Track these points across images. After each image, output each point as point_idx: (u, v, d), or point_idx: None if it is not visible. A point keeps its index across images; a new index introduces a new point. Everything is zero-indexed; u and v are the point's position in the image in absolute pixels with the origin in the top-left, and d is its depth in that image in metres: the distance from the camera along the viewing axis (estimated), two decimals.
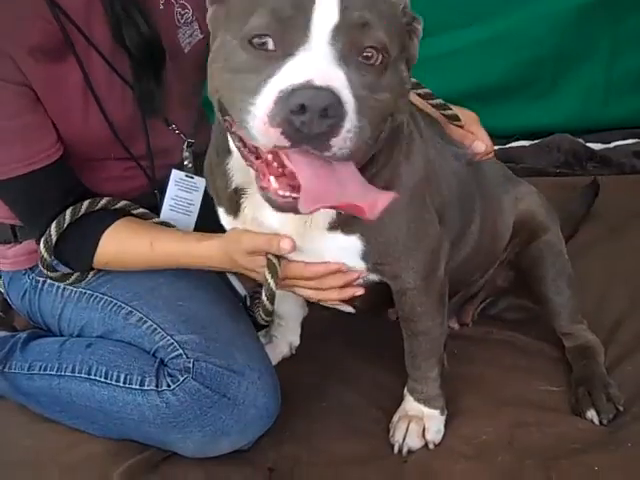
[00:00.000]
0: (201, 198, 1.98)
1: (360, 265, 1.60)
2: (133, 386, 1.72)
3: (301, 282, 1.64)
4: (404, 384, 1.87)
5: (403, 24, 1.35)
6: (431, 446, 1.80)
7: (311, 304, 2.01)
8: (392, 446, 1.81)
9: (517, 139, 3.24)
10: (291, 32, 1.20)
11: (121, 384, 1.73)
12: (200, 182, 1.94)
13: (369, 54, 1.23)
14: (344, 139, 1.15)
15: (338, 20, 1.19)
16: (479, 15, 3.15)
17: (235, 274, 2.02)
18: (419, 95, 1.79)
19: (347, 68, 1.19)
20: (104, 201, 1.79)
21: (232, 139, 1.39)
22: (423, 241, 1.63)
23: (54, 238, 1.74)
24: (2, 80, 1.65)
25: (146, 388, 1.71)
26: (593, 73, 3.25)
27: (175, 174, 1.94)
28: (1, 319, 2.12)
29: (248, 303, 2.10)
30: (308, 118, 1.11)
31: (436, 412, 1.83)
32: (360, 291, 1.65)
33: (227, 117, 1.32)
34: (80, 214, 1.75)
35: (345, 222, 1.52)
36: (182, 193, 1.97)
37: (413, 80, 1.72)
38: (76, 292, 1.90)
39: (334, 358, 2.08)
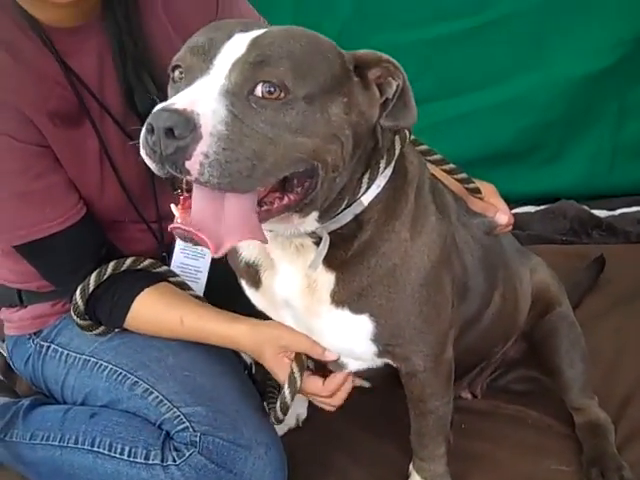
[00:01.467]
0: (208, 265, 1.97)
1: (371, 348, 1.59)
2: (138, 460, 1.69)
3: (317, 398, 1.69)
4: (410, 458, 1.85)
5: (341, 70, 1.30)
6: None
7: None
8: None
9: (522, 204, 3.24)
10: (196, 64, 1.24)
11: (125, 457, 1.70)
12: (206, 249, 1.93)
13: (270, 89, 1.20)
14: (200, 163, 1.13)
15: (240, 56, 1.22)
16: (487, 81, 3.18)
17: None
18: (444, 171, 1.78)
19: (235, 99, 1.18)
20: (129, 261, 1.79)
21: None
22: (434, 324, 1.61)
23: (92, 287, 1.75)
24: (26, 143, 1.66)
25: (151, 462, 1.68)
26: (599, 139, 3.27)
27: (179, 241, 1.93)
28: (3, 384, 2.09)
29: (253, 371, 2.07)
30: (155, 137, 1.13)
31: None
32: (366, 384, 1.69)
33: None
34: (106, 276, 1.76)
35: (352, 298, 1.51)
36: (188, 260, 1.96)
37: (425, 147, 1.73)
38: (80, 359, 1.87)
39: (339, 430, 2.05)
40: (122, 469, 1.70)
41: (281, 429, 2.00)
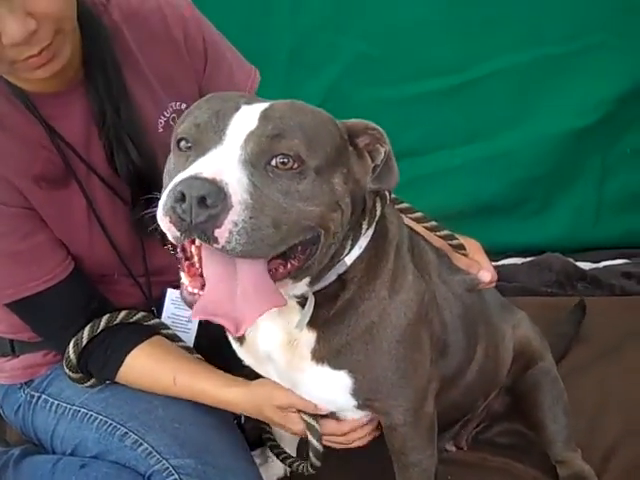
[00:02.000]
0: None
1: (351, 402, 1.62)
2: None
3: (332, 438, 1.71)
4: None
5: (340, 141, 1.37)
6: None
7: None
8: None
9: (509, 256, 3.29)
10: (206, 136, 1.28)
11: None
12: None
13: (284, 160, 1.26)
14: (229, 232, 1.17)
15: (254, 128, 1.26)
16: (472, 136, 3.24)
17: None
18: (426, 228, 1.82)
19: (253, 169, 1.23)
20: (122, 314, 1.82)
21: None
22: (412, 380, 1.63)
23: (85, 341, 1.77)
24: (11, 206, 1.69)
25: None
26: (584, 194, 3.33)
27: (170, 293, 1.97)
28: None
29: (242, 421, 2.09)
30: (187, 206, 1.15)
31: None
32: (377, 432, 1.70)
33: None
34: (99, 329, 1.78)
35: (331, 355, 1.54)
36: (178, 311, 1.98)
37: (405, 205, 1.77)
38: (70, 409, 1.89)
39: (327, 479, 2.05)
40: None
41: (269, 479, 2.01)
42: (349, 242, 1.47)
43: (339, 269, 1.48)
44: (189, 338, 1.98)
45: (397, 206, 1.74)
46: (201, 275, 1.29)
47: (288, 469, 2.07)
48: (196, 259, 1.31)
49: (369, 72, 3.12)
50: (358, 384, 1.58)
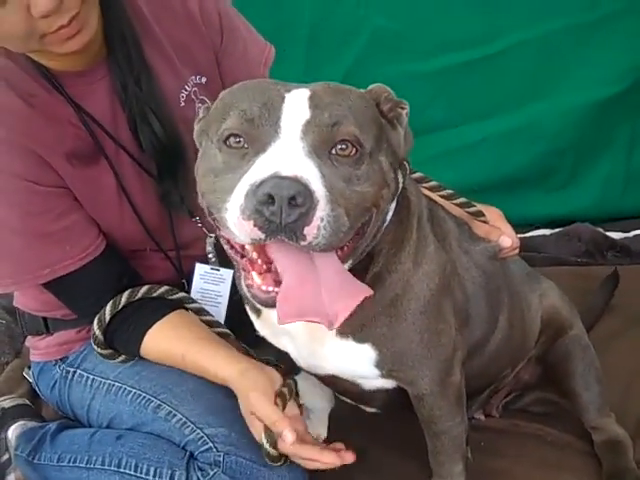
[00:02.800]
0: (229, 289, 2.00)
1: (374, 372, 1.62)
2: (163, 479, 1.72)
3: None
4: (429, 475, 1.86)
5: (379, 116, 1.38)
6: None
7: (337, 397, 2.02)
8: None
9: (537, 228, 3.27)
10: (262, 130, 1.26)
11: (151, 477, 1.73)
12: (227, 274, 1.98)
13: (343, 146, 1.27)
14: (317, 227, 1.17)
15: (309, 117, 1.25)
16: (498, 108, 3.22)
17: None
18: (442, 197, 1.81)
19: (319, 160, 1.23)
20: (144, 290, 1.83)
21: (222, 241, 1.41)
22: (436, 350, 1.62)
23: (107, 318, 1.79)
24: (46, 186, 1.72)
25: None
26: (612, 164, 3.31)
27: (199, 267, 1.98)
28: (30, 409, 2.13)
29: None
30: (277, 208, 1.14)
31: None
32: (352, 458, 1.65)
33: (214, 220, 1.36)
34: (121, 306, 1.80)
35: (355, 329, 1.54)
36: (208, 285, 2.00)
37: (419, 174, 1.76)
38: (105, 384, 1.92)
39: (361, 450, 2.04)
40: None
41: None
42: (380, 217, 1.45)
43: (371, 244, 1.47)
44: (219, 312, 2.00)
45: (411, 176, 1.72)
46: (268, 271, 1.28)
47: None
48: (254, 255, 1.30)
49: (391, 47, 3.11)
50: (382, 356, 1.58)
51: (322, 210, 1.17)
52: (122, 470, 1.77)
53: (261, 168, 1.20)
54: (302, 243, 1.18)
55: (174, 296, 1.89)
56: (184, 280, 2.00)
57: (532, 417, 2.17)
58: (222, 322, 1.95)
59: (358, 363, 1.60)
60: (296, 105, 1.27)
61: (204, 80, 1.91)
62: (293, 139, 1.24)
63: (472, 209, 1.84)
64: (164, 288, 1.87)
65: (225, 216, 1.23)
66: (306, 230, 1.17)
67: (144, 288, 1.84)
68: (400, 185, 1.48)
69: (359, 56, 3.07)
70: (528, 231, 3.20)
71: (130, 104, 1.78)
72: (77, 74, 1.75)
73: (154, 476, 1.73)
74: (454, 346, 1.67)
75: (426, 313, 1.57)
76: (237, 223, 1.19)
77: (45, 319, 1.99)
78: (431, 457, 1.82)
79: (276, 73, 1.94)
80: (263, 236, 1.18)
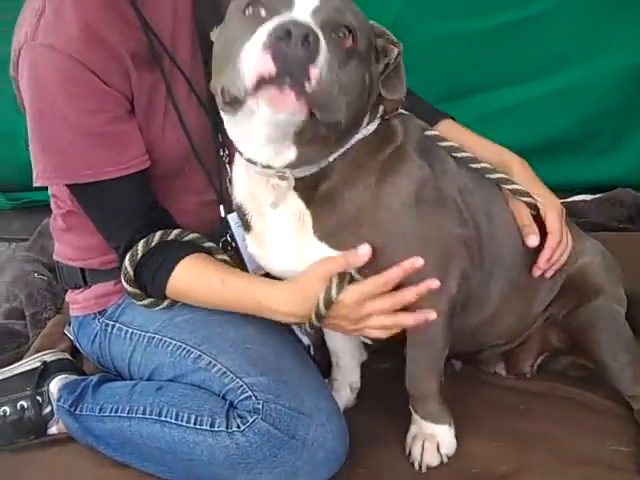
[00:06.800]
0: None
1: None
2: (204, 427, 1.73)
3: (377, 308, 1.64)
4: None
5: (373, 39, 1.55)
6: (445, 459, 1.85)
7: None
8: None
9: (578, 193, 3.23)
10: (280, 2, 1.39)
11: (192, 425, 1.75)
12: None
13: (342, 34, 1.42)
14: (320, 70, 1.31)
15: (319, 3, 1.40)
16: (540, 70, 3.17)
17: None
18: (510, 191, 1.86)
19: (323, 34, 1.36)
20: (176, 232, 1.83)
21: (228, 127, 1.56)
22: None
23: (140, 254, 1.78)
24: (110, 86, 1.73)
25: (216, 429, 1.72)
26: None
27: (230, 218, 1.95)
28: (72, 364, 2.16)
29: (312, 352, 2.10)
30: (293, 41, 1.28)
31: (445, 427, 1.86)
32: (434, 315, 1.64)
33: (226, 108, 1.47)
34: (154, 243, 1.79)
35: (327, 235, 1.62)
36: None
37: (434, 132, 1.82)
38: (145, 336, 1.93)
39: (395, 405, 2.02)
40: (189, 436, 1.75)
41: (339, 402, 2.00)
42: (346, 137, 1.57)
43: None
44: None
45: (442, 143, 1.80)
46: None
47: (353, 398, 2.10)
48: None
49: (433, 6, 3.07)
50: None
51: (324, 58, 1.32)
52: (163, 419, 1.79)
53: (279, 18, 1.34)
54: (306, 85, 1.31)
55: (204, 244, 1.88)
56: (221, 203, 1.97)
57: (571, 381, 2.12)
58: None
59: None
60: None
61: None
62: (305, 13, 1.38)
63: (527, 199, 1.86)
64: (194, 235, 1.86)
65: (239, 67, 1.34)
66: (311, 71, 1.30)
67: (177, 230, 1.83)
68: (378, 114, 1.63)
69: (398, 17, 3.00)
70: (569, 196, 3.15)
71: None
72: None
73: (195, 424, 1.75)
74: (447, 253, 1.69)
75: (398, 221, 1.62)
76: (256, 55, 1.31)
77: (83, 271, 2.01)
78: (407, 375, 1.84)
79: None
80: (275, 70, 1.30)
